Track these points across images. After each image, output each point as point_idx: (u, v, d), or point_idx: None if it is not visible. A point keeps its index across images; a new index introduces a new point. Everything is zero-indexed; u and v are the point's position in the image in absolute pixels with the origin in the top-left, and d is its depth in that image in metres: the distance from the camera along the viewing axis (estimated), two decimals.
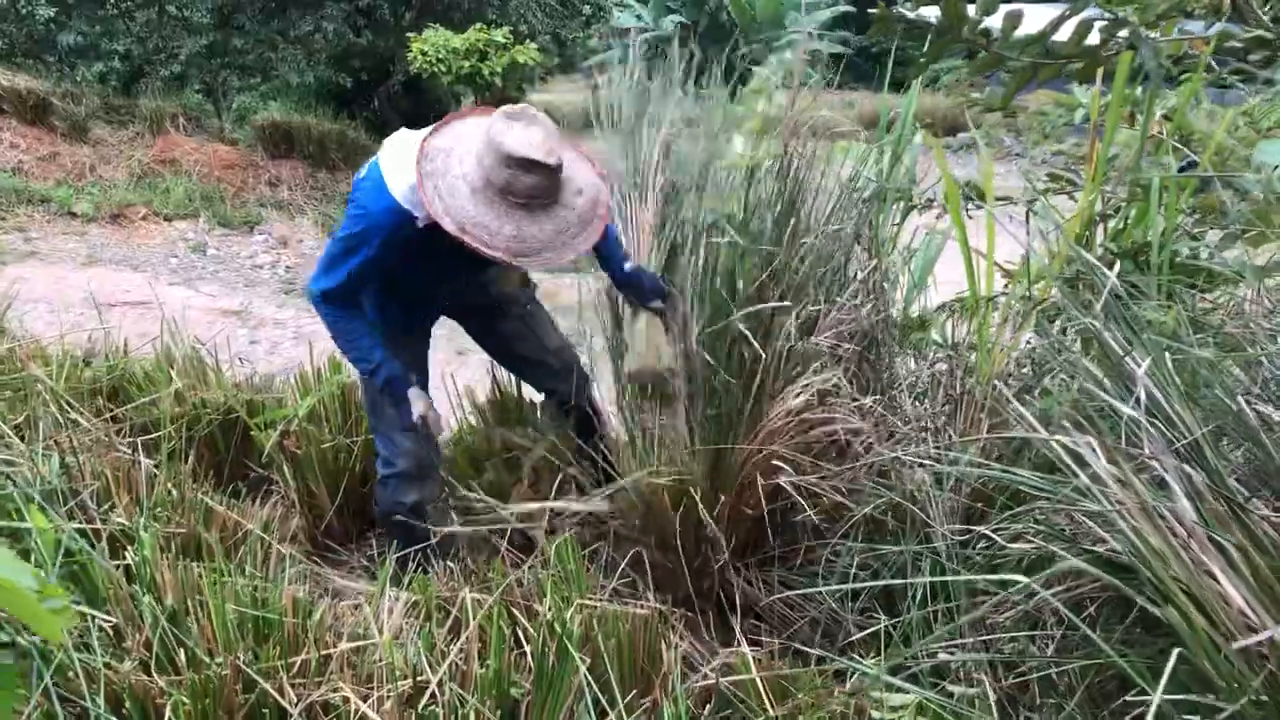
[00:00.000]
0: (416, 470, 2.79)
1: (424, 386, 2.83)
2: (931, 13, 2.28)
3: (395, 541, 2.89)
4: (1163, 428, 1.59)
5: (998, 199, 2.69)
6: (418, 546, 2.78)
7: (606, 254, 2.68)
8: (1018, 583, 1.71)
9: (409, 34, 12.57)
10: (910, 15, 2.31)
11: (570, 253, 2.35)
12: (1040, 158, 3.64)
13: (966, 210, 2.72)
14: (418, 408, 2.68)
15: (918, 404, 2.68)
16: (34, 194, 9.53)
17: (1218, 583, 1.36)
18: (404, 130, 2.51)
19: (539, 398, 3.24)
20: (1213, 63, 2.65)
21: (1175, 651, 1.32)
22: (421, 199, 2.29)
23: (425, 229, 2.36)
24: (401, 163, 2.37)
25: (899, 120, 3.11)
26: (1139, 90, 2.82)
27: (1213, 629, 1.37)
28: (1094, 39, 2.29)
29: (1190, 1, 2.39)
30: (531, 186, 2.24)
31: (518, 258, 2.28)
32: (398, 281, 2.68)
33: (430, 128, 2.42)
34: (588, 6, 16.93)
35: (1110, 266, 2.09)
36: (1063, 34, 2.26)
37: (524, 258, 2.29)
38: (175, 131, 11.43)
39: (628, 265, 2.67)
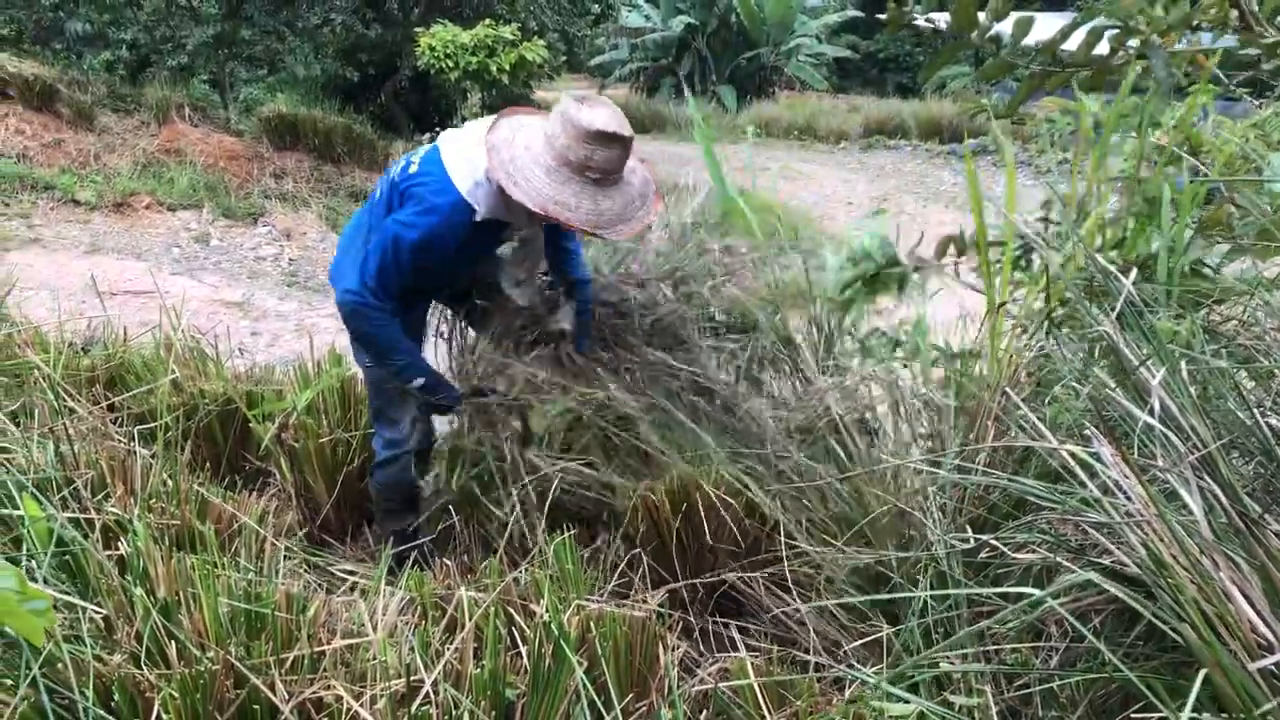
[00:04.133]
0: (423, 452, 2.94)
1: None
2: (942, 18, 2.26)
3: (386, 527, 2.99)
4: (1175, 439, 1.57)
5: (992, 242, 2.65)
6: (408, 532, 2.93)
7: (572, 251, 2.89)
8: (1023, 595, 1.68)
9: (417, 29, 12.54)
10: (920, 21, 2.29)
11: (638, 225, 2.53)
12: (1045, 166, 3.62)
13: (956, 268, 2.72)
14: (455, 399, 2.81)
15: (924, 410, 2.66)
16: (38, 180, 9.51)
17: (1231, 599, 1.33)
18: (454, 129, 2.64)
19: None
20: (1220, 74, 2.62)
21: (1202, 674, 1.29)
22: (497, 186, 2.42)
23: (471, 229, 2.51)
24: (463, 159, 2.49)
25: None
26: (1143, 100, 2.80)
27: (1225, 646, 1.34)
28: (1103, 48, 2.26)
29: (1198, 13, 2.37)
30: (607, 159, 2.39)
31: (597, 230, 2.44)
32: (422, 276, 2.72)
33: (487, 125, 2.53)
34: (596, 5, 16.91)
35: (1123, 276, 2.07)
36: (1072, 43, 2.24)
37: (602, 229, 2.45)
38: (181, 121, 11.41)
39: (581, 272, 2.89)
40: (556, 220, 2.41)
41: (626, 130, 2.40)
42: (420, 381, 2.71)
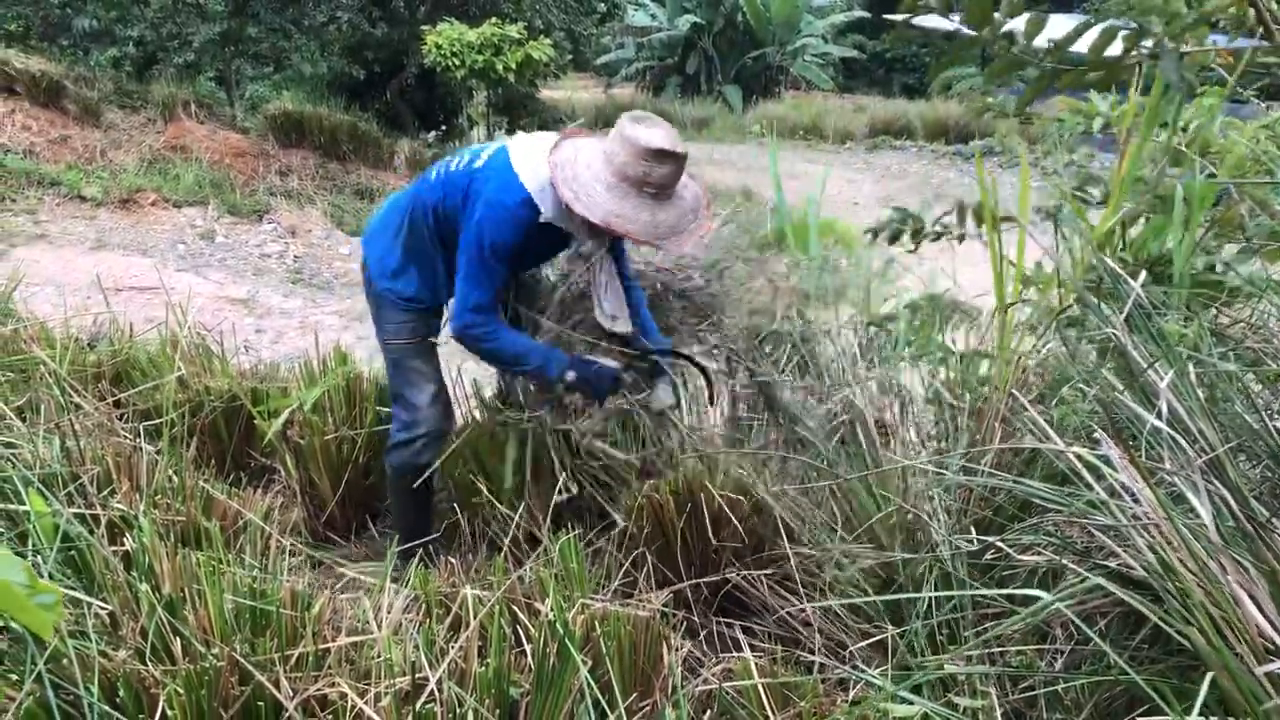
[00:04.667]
0: (439, 434, 2.96)
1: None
2: (947, 22, 2.24)
3: (397, 520, 3.01)
4: (1183, 442, 1.56)
5: (1003, 218, 2.66)
6: (418, 527, 2.96)
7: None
8: (1030, 597, 1.68)
9: (423, 27, 12.54)
10: (927, 25, 2.28)
11: (694, 236, 2.66)
12: (1052, 167, 3.62)
13: (981, 233, 2.70)
14: (617, 379, 2.84)
15: (930, 410, 2.66)
16: (44, 176, 9.52)
17: (1239, 604, 1.33)
18: (521, 134, 2.79)
19: None
20: (1225, 75, 2.61)
21: (1209, 677, 1.29)
22: (562, 200, 2.55)
23: (534, 230, 2.64)
24: (530, 164, 2.63)
25: None
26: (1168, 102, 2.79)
27: (1232, 650, 1.34)
28: (1116, 48, 2.25)
29: (1216, 13, 2.36)
30: (664, 175, 2.52)
31: (655, 240, 2.59)
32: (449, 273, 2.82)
33: (550, 138, 2.70)
34: (603, 4, 16.90)
35: (1131, 278, 2.06)
36: (1083, 45, 2.23)
37: (662, 240, 2.59)
38: (187, 118, 11.41)
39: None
40: (617, 232, 2.54)
41: (681, 148, 2.54)
42: (571, 375, 2.75)
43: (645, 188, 2.53)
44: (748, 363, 3.08)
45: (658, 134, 2.52)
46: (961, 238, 2.85)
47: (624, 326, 2.84)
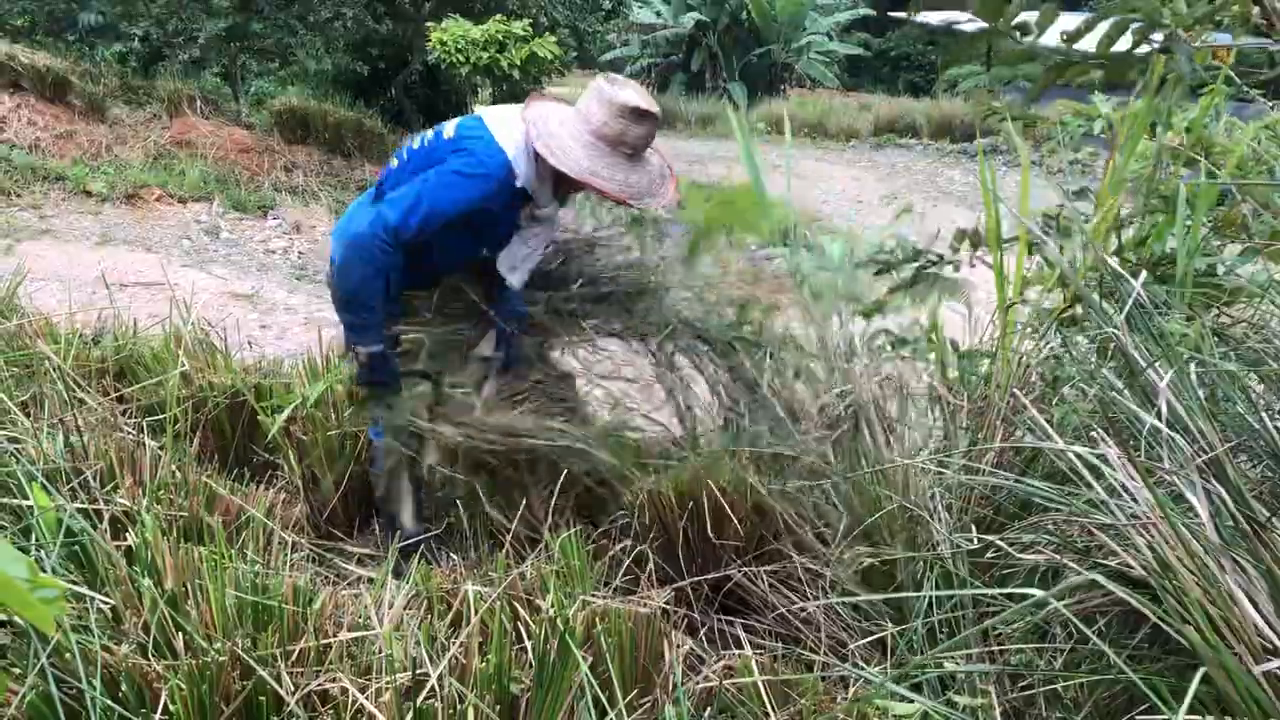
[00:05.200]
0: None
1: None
2: (956, 14, 2.24)
3: (386, 510, 3.01)
4: (1183, 442, 1.56)
5: (1007, 240, 2.66)
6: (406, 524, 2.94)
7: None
8: (1028, 596, 1.68)
9: (428, 24, 12.55)
10: (935, 23, 2.28)
11: (663, 198, 2.69)
12: (1056, 167, 3.61)
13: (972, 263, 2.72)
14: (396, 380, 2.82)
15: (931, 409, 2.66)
16: (50, 172, 9.54)
17: (1237, 603, 1.33)
18: (491, 107, 2.79)
19: None
20: (1233, 75, 2.61)
21: (1200, 672, 1.29)
22: (534, 157, 2.57)
23: (509, 196, 2.63)
24: (507, 127, 2.62)
25: None
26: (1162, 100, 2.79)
27: (1231, 649, 1.34)
28: (1125, 43, 2.25)
29: (1221, 10, 2.35)
30: (640, 135, 2.58)
31: (630, 199, 2.61)
32: (432, 253, 2.78)
33: (520, 105, 2.70)
34: (607, 1, 16.87)
35: (1133, 277, 2.06)
36: (1088, 42, 2.23)
37: (634, 200, 2.62)
38: (192, 114, 11.44)
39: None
40: (594, 188, 2.58)
41: (655, 108, 2.59)
42: (374, 348, 2.70)
43: (621, 147, 2.57)
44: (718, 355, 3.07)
45: (634, 94, 2.57)
46: (957, 266, 2.86)
47: (518, 280, 2.86)
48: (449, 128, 2.70)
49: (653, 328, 3.07)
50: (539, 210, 2.77)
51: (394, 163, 2.80)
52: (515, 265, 2.84)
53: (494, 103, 13.85)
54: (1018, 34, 2.07)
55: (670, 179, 2.72)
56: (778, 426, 2.81)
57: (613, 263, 3.25)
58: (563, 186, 2.67)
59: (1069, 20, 2.38)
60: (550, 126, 2.58)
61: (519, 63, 12.10)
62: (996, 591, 1.83)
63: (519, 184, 2.61)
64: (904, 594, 2.10)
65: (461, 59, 12.00)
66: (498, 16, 12.25)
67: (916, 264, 2.90)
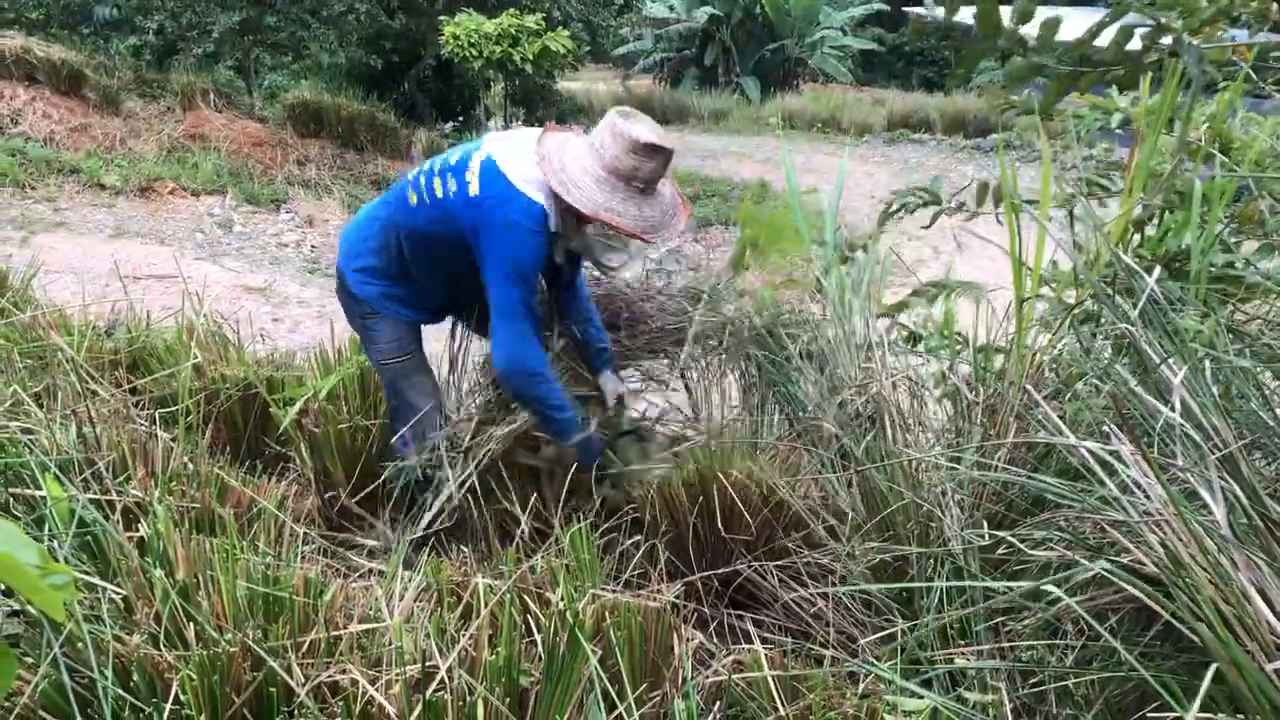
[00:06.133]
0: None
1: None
2: (969, 12, 2.23)
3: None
4: (1197, 438, 1.55)
5: (1026, 201, 2.65)
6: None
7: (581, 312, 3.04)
8: (1041, 590, 1.68)
9: (441, 17, 12.56)
10: (944, 21, 2.26)
11: (676, 232, 2.69)
12: (1070, 162, 3.59)
13: (996, 215, 2.69)
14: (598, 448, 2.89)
15: (941, 405, 2.65)
16: (64, 164, 9.59)
17: (1249, 600, 1.32)
18: (496, 134, 2.77)
19: None
20: (1251, 72, 2.59)
21: (1212, 668, 1.29)
22: (554, 192, 2.56)
23: (547, 245, 2.65)
24: (525, 171, 2.60)
25: None
26: (1180, 97, 2.77)
27: (1243, 647, 1.33)
28: (1135, 45, 2.23)
29: (1236, 6, 2.33)
30: (652, 170, 2.57)
31: (645, 234, 2.60)
32: (448, 285, 2.88)
33: (531, 134, 2.69)
34: None
35: (1147, 273, 2.05)
36: (1102, 40, 2.21)
37: (649, 234, 2.61)
38: (206, 107, 11.48)
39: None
40: (608, 224, 2.57)
41: (668, 143, 2.57)
42: (575, 439, 2.77)
43: (634, 182, 2.56)
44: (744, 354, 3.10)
45: (647, 130, 2.55)
46: (973, 215, 2.83)
47: (630, 271, 2.94)
48: (470, 176, 2.62)
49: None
50: (570, 245, 2.78)
51: (410, 194, 2.77)
52: (617, 263, 2.95)
53: (506, 97, 13.88)
54: (1019, 47, 2.07)
55: (683, 210, 2.72)
56: (797, 421, 2.83)
57: (676, 306, 3.28)
58: (579, 220, 2.66)
59: (1079, 18, 2.36)
60: (564, 161, 2.58)
61: (532, 57, 12.10)
62: (1007, 585, 1.83)
63: (553, 229, 2.64)
64: (914, 584, 2.09)
65: (474, 53, 12.01)
66: (511, 10, 12.25)
67: (940, 208, 2.89)
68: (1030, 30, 2.17)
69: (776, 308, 3.21)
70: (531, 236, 2.58)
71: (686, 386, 3.19)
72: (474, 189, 2.61)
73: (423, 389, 2.98)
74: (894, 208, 2.95)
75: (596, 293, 3.19)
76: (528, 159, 2.60)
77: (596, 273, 3.22)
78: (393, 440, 3.00)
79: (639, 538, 2.54)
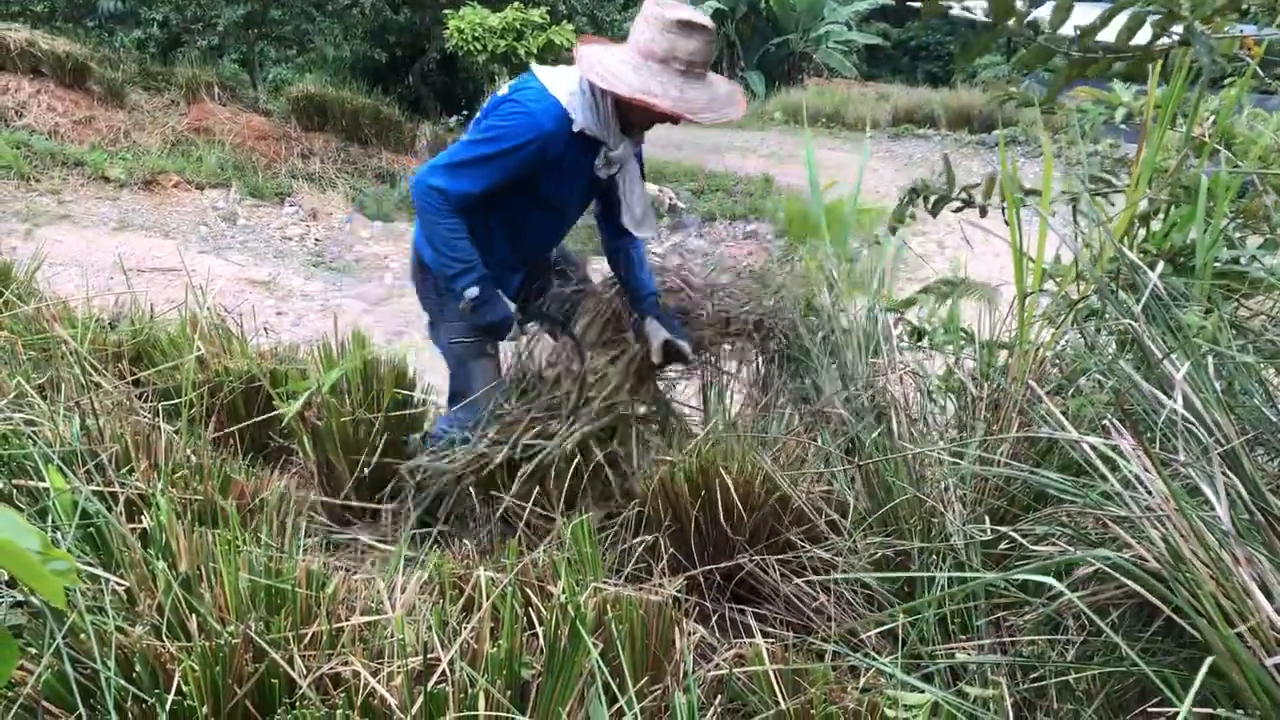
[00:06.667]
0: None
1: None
2: (979, 6, 2.22)
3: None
4: (1200, 434, 1.55)
5: (1028, 191, 2.65)
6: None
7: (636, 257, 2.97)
8: (1041, 585, 1.68)
9: (446, 11, 12.55)
10: (954, 12, 2.26)
11: (728, 113, 2.60)
12: (1075, 158, 3.59)
13: (1002, 210, 2.68)
14: (507, 319, 2.82)
15: (945, 400, 2.65)
16: (69, 157, 9.60)
17: (1250, 595, 1.32)
18: (543, 66, 2.74)
19: None
20: (1258, 69, 2.58)
21: (1208, 661, 1.29)
22: (590, 91, 2.56)
23: (567, 144, 2.60)
24: (558, 74, 2.62)
25: None
26: (1187, 91, 2.76)
27: (1244, 643, 1.33)
28: (1144, 35, 2.22)
29: None
30: (691, 49, 2.51)
31: (686, 113, 2.52)
32: (528, 218, 2.81)
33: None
34: None
35: (1151, 269, 2.04)
36: (1109, 33, 2.21)
37: (692, 113, 2.53)
38: (210, 100, 11.49)
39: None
40: (647, 104, 2.49)
41: (706, 20, 2.53)
42: (474, 291, 2.71)
43: (673, 63, 2.51)
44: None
45: (682, 9, 2.51)
46: (984, 211, 2.83)
47: (649, 230, 2.84)
48: (504, 88, 2.68)
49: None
50: (611, 153, 2.74)
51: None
52: (636, 219, 2.83)
53: None
54: (1031, 32, 2.06)
55: (740, 98, 2.67)
56: (806, 414, 2.83)
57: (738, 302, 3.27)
58: (626, 119, 2.63)
59: (1085, 10, 2.36)
60: (601, 57, 2.56)
61: (536, 51, 12.09)
62: (1007, 576, 1.83)
63: (577, 127, 2.59)
64: (914, 573, 2.09)
65: (479, 47, 12.00)
66: (515, 4, 12.24)
67: (951, 198, 2.89)
68: (1041, 14, 2.17)
69: (806, 302, 3.21)
70: (526, 121, 2.55)
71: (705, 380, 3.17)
72: (503, 91, 2.66)
73: (487, 374, 2.95)
74: (906, 202, 2.95)
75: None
76: (567, 71, 2.62)
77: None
78: (440, 420, 2.97)
79: (644, 536, 2.55)
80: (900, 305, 3.01)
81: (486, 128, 2.60)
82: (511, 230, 2.82)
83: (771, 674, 1.90)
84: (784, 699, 1.87)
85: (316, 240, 9.31)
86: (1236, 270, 2.39)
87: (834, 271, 3.14)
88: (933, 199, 2.87)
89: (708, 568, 2.49)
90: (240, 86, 12.73)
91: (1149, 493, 1.51)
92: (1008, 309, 2.56)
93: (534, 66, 2.69)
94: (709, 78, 2.61)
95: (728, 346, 3.19)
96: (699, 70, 2.56)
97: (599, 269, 3.15)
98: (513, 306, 2.85)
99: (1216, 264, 2.36)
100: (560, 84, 2.59)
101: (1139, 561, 1.55)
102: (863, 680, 1.91)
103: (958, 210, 2.90)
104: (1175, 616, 1.44)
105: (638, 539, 2.53)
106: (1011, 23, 2.11)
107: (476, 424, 2.89)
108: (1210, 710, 1.31)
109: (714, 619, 2.48)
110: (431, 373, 3.44)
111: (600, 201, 2.97)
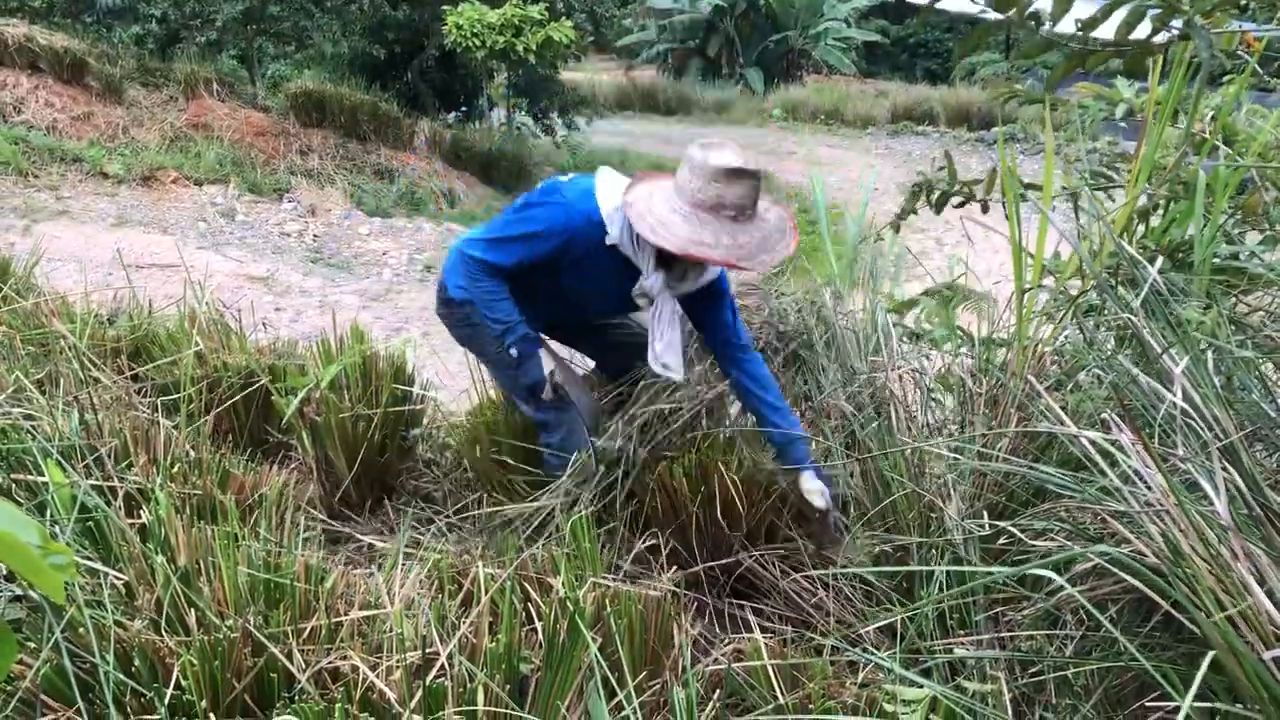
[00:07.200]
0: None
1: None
2: (972, 6, 2.22)
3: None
4: (1199, 429, 1.55)
5: (1027, 185, 2.65)
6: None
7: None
8: (1040, 579, 1.68)
9: (444, 7, 12.53)
10: (952, 9, 2.25)
11: (780, 254, 2.55)
12: (1074, 155, 3.58)
13: (1003, 206, 2.68)
14: (547, 366, 2.82)
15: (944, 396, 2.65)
16: (67, 153, 9.59)
17: (1249, 590, 1.32)
18: (607, 169, 2.75)
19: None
20: (1256, 66, 2.58)
21: (1209, 655, 1.29)
22: (638, 234, 2.52)
23: (597, 250, 2.62)
24: (613, 187, 2.62)
25: None
26: (1186, 88, 2.76)
27: (1242, 636, 1.33)
28: (1144, 30, 2.22)
29: None
30: (740, 195, 2.45)
31: (740, 261, 2.48)
32: (550, 299, 2.81)
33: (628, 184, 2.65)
34: None
35: (1150, 264, 2.04)
36: (1107, 30, 2.20)
37: (744, 261, 2.49)
38: (209, 96, 11.47)
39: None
40: (698, 258, 2.48)
41: (753, 165, 2.47)
42: (514, 352, 2.73)
43: (723, 211, 2.46)
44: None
45: (727, 154, 2.46)
46: (986, 207, 2.83)
47: (676, 374, 2.73)
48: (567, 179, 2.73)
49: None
50: (645, 283, 2.68)
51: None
52: (655, 354, 2.71)
53: (509, 86, 13.87)
54: (1032, 24, 2.05)
55: (791, 232, 2.59)
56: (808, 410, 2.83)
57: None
58: (672, 260, 2.60)
59: (1086, 5, 2.35)
60: (652, 204, 2.51)
61: (535, 47, 12.09)
62: (1006, 570, 1.83)
63: (610, 240, 2.59)
64: (914, 567, 2.10)
65: (477, 43, 12.00)
66: (513, 1, 12.22)
67: (953, 190, 2.88)
68: (1042, 6, 2.16)
69: (811, 304, 3.22)
70: (560, 213, 2.59)
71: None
72: (564, 178, 2.71)
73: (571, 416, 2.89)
74: (912, 198, 2.95)
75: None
76: (619, 189, 2.59)
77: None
78: (548, 457, 2.90)
79: (642, 531, 2.55)
80: (901, 306, 3.01)
81: (526, 209, 2.65)
82: (530, 301, 2.80)
83: (770, 669, 1.90)
84: (783, 694, 1.87)
85: (315, 236, 9.30)
86: (1235, 266, 2.39)
87: (834, 270, 3.14)
88: (936, 195, 2.87)
89: (708, 564, 2.50)
90: (239, 83, 12.70)
91: (1148, 488, 1.51)
92: (1006, 304, 2.56)
93: (603, 169, 2.72)
94: (759, 211, 2.54)
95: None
96: (749, 212, 2.50)
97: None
98: (549, 368, 2.84)
99: (1215, 259, 2.36)
100: (613, 194, 2.59)
101: (1138, 556, 1.55)
102: (861, 675, 1.91)
103: (959, 206, 2.90)
104: (1174, 611, 1.44)
105: (637, 533, 2.54)
106: (1013, 13, 2.10)
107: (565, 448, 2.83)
108: (1209, 705, 1.31)
109: (712, 613, 2.48)
110: (430, 368, 3.44)
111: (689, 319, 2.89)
